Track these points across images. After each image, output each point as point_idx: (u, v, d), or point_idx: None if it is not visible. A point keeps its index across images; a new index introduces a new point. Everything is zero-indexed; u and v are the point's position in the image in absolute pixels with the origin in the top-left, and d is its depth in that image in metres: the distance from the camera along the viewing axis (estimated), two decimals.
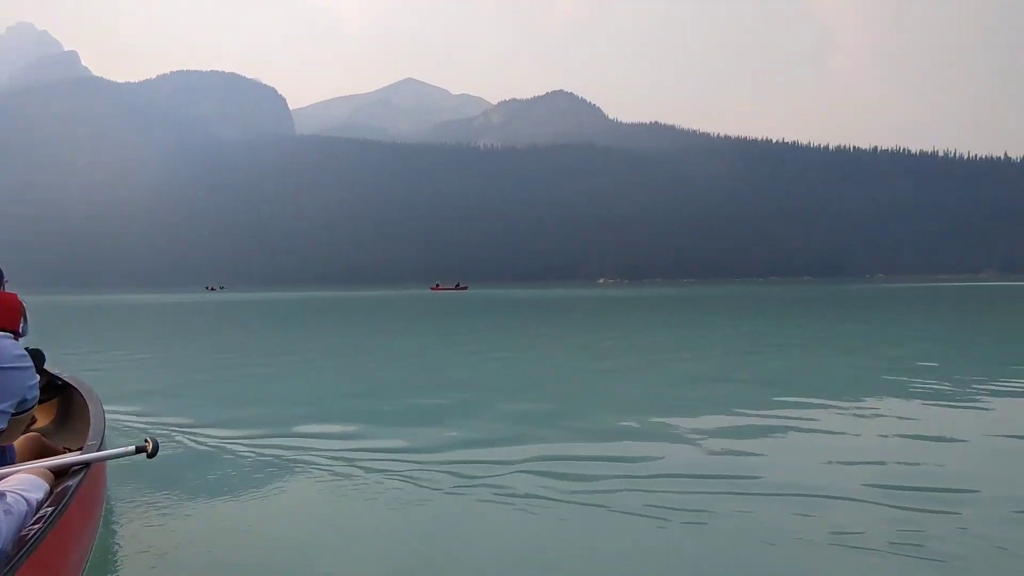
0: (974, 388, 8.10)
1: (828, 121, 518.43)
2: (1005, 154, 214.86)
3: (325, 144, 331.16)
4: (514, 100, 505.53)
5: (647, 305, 35.56)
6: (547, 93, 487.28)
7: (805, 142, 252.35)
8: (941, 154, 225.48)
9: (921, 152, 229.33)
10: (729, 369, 10.47)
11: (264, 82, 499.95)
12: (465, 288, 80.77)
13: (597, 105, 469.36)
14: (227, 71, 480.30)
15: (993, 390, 7.82)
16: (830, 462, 4.69)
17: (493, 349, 13.95)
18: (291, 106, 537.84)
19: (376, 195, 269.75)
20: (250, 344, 15.41)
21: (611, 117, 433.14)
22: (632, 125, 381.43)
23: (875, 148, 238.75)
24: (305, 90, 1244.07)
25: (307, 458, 4.31)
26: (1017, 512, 3.43)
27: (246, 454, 4.49)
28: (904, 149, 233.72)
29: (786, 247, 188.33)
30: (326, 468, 4.12)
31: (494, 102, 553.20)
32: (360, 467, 4.12)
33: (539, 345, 14.58)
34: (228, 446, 4.70)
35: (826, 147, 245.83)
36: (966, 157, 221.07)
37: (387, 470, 4.05)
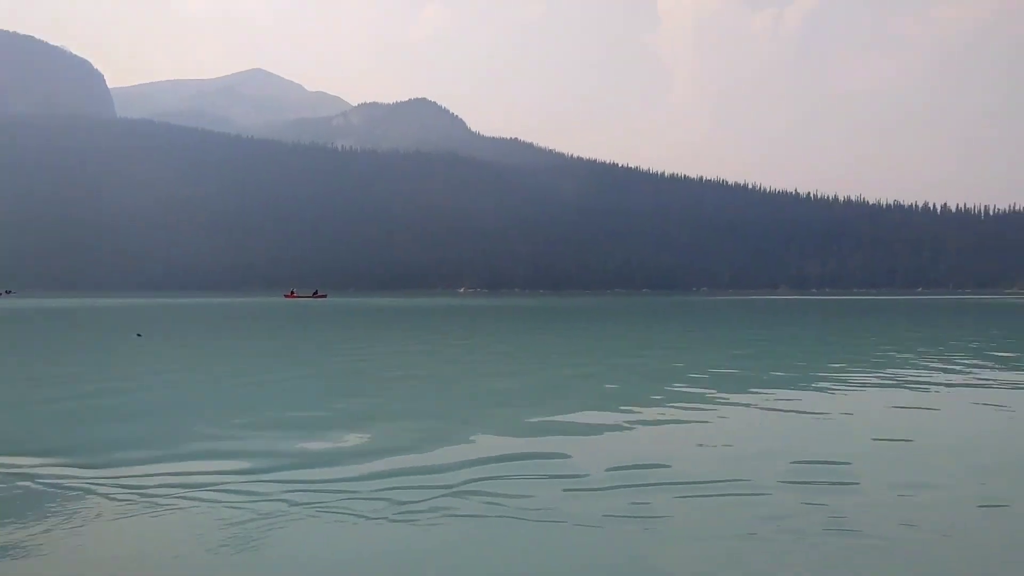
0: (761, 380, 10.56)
1: (665, 150, 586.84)
2: (796, 189, 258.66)
3: (156, 130, 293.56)
4: (375, 104, 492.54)
5: (516, 314, 37.48)
6: (410, 100, 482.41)
7: (645, 168, 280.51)
8: (750, 186, 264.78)
9: (736, 184, 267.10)
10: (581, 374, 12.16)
11: (74, 52, 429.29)
12: (324, 296, 77.21)
13: (460, 117, 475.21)
14: (22, 32, 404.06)
15: (788, 379, 10.25)
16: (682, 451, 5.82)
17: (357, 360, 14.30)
18: (111, 84, 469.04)
19: (219, 191, 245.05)
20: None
21: (474, 130, 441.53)
22: (494, 139, 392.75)
23: (700, 177, 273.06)
24: (131, 70, 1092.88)
25: (85, 486, 4.07)
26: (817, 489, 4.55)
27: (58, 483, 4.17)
28: (723, 180, 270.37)
29: (630, 262, 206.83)
30: (108, 496, 3.86)
31: (353, 103, 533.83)
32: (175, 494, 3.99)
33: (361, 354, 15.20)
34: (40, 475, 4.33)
35: (662, 173, 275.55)
36: (768, 190, 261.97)
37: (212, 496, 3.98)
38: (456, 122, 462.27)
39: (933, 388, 9.16)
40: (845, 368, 11.55)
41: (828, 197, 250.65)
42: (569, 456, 5.17)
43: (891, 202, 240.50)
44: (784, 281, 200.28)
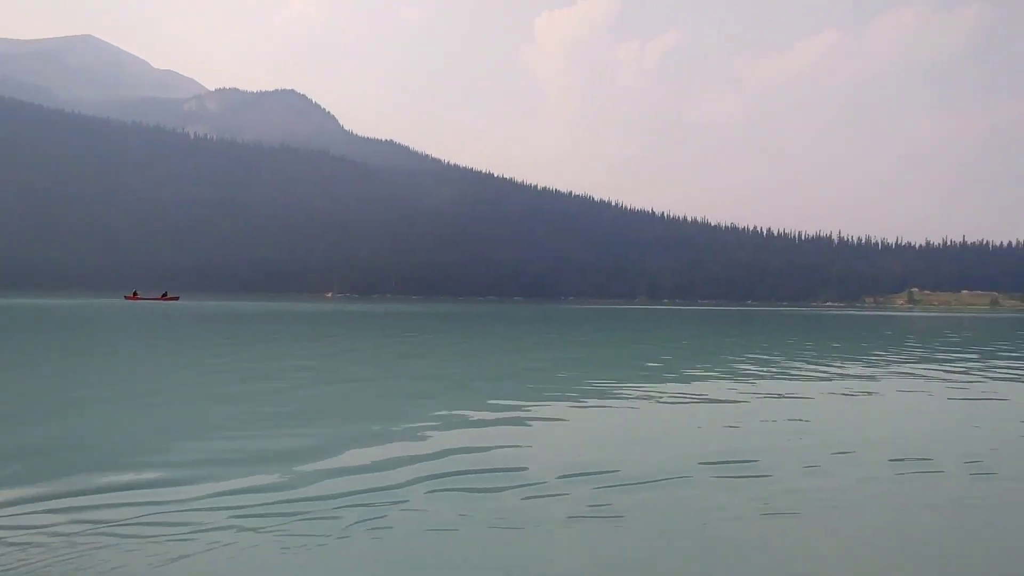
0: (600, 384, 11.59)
1: (537, 162, 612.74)
2: (652, 208, 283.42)
3: None
4: (236, 90, 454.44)
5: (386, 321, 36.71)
6: (277, 90, 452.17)
7: (520, 180, 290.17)
8: (613, 203, 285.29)
9: (601, 200, 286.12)
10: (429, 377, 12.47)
11: None
12: (175, 299, 69.85)
13: (333, 114, 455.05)
14: None
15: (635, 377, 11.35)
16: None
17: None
18: None
19: (39, 175, 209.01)
20: None
21: (347, 128, 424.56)
22: (368, 139, 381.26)
23: (570, 192, 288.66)
24: None
25: None
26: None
27: None
28: (589, 196, 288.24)
29: (502, 270, 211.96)
30: None
31: (210, 87, 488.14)
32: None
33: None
34: None
35: (535, 186, 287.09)
36: (627, 207, 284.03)
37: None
38: (328, 118, 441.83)
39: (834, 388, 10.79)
40: (710, 370, 13.12)
41: (679, 217, 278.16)
42: (504, 461, 5.34)
43: (728, 224, 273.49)
44: (641, 292, 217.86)
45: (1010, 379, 12.44)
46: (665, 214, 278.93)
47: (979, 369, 13.98)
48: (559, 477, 4.88)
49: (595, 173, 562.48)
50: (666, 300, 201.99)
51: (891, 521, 4.22)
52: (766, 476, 5.09)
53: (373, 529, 3.75)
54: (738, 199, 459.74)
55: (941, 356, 17.34)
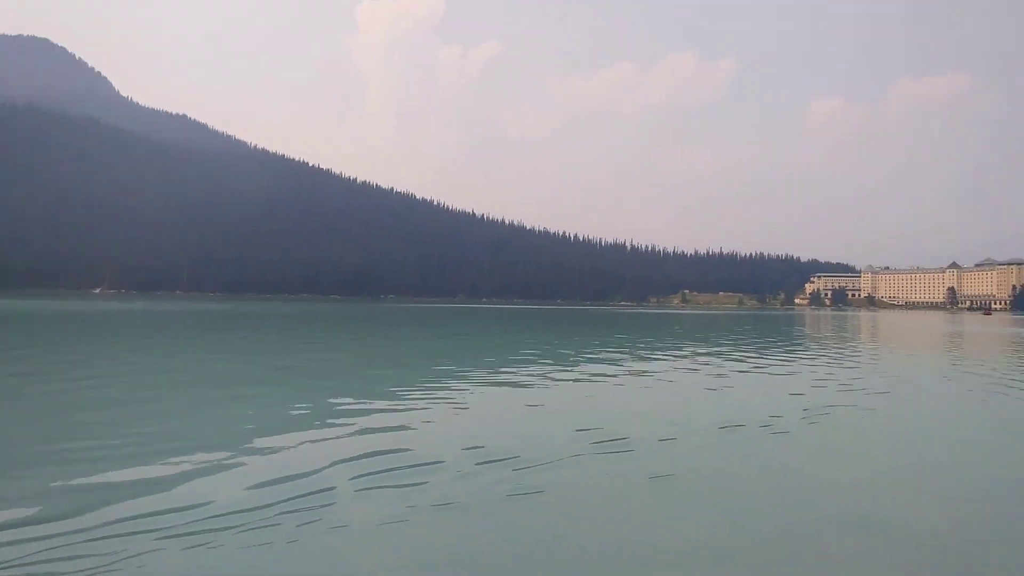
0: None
1: (357, 155, 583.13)
2: (472, 210, 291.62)
3: None
4: None
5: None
6: (23, 36, 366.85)
7: (337, 171, 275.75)
8: (435, 203, 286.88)
9: (423, 199, 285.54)
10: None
11: None
12: None
13: (105, 75, 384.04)
14: None
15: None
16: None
17: None
18: None
19: None
20: None
21: (124, 95, 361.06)
22: (153, 110, 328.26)
23: (392, 188, 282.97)
24: None
25: None
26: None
27: None
28: (411, 194, 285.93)
29: (318, 267, 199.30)
30: None
31: None
32: None
33: None
34: None
35: (354, 179, 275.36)
36: (450, 208, 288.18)
37: None
38: (98, 81, 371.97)
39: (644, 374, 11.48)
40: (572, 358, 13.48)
41: (498, 220, 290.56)
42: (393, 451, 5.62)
43: (542, 229, 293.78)
44: (461, 291, 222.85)
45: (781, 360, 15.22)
46: (485, 216, 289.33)
47: (759, 354, 16.86)
48: (466, 464, 5.33)
49: (418, 172, 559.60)
50: (485, 299, 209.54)
51: (727, 475, 5.52)
52: (630, 451, 6.06)
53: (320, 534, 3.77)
54: (550, 207, 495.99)
55: (726, 344, 20.68)
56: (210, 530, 3.61)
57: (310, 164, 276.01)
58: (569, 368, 13.10)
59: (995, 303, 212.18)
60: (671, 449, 6.18)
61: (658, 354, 17.33)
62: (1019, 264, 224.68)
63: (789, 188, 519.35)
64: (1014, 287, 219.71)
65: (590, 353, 17.36)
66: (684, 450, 6.16)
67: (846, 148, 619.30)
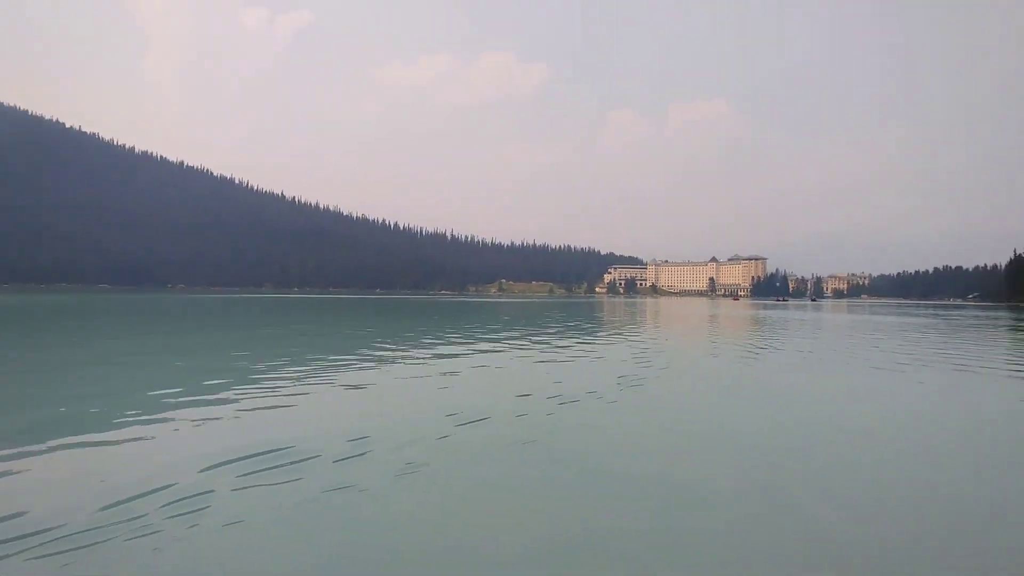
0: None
1: (135, 121, 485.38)
2: (282, 192, 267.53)
3: None
4: None
5: None
6: None
7: (107, 137, 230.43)
8: (236, 181, 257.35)
9: (221, 176, 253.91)
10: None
11: None
12: None
13: None
14: None
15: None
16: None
17: None
18: None
19: None
20: None
21: None
22: None
23: (182, 163, 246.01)
24: None
25: None
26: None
27: None
28: (207, 170, 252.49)
29: (79, 250, 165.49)
30: None
31: None
32: None
33: None
34: None
35: (132, 148, 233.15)
36: (253, 187, 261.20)
37: None
38: None
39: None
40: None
41: (310, 204, 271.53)
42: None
43: (360, 215, 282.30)
44: (269, 279, 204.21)
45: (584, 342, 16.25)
46: (296, 199, 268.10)
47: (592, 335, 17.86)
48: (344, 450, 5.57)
49: (212, 145, 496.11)
50: (295, 288, 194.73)
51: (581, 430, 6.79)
52: (494, 424, 6.87)
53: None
54: (371, 194, 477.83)
55: (553, 330, 21.72)
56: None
57: (69, 126, 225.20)
58: (412, 355, 12.78)
59: (740, 290, 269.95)
60: (527, 421, 7.12)
61: (501, 337, 18.36)
62: (757, 259, 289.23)
63: (594, 185, 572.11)
64: (754, 278, 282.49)
65: (431, 340, 17.45)
66: (537, 420, 7.18)
67: (635, 153, 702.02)
